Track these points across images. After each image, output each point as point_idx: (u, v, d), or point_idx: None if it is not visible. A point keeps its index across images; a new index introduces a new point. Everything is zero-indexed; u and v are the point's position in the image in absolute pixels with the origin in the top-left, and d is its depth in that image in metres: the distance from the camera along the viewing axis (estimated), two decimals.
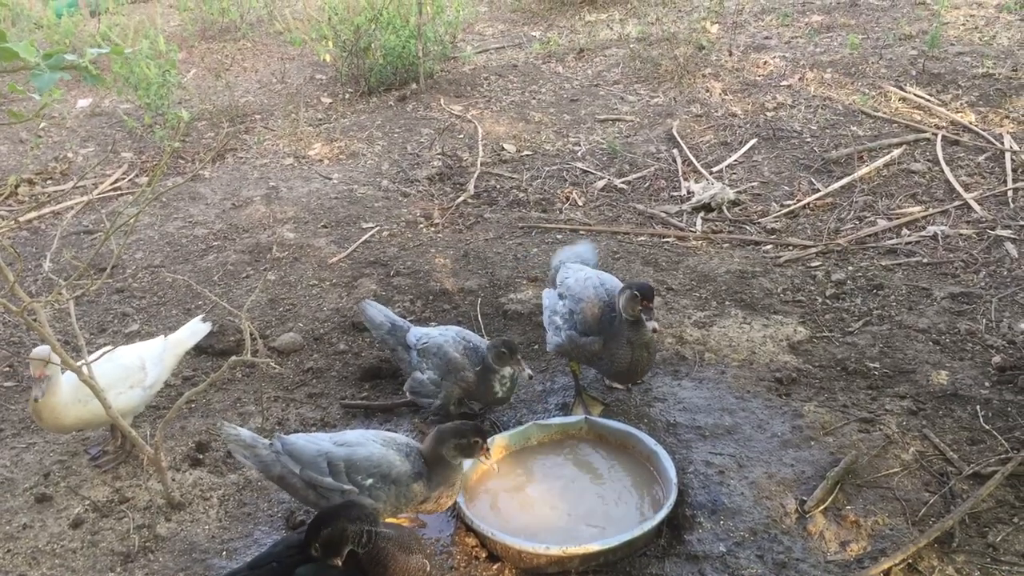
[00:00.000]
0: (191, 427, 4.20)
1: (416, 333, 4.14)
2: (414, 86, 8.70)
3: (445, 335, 4.09)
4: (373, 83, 8.76)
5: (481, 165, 7.06)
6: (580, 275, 4.16)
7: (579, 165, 6.99)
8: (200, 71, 9.86)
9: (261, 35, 11.01)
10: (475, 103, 8.40)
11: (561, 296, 4.17)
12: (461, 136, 7.65)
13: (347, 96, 8.76)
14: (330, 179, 6.97)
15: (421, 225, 6.21)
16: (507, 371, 3.90)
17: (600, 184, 6.66)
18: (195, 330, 4.27)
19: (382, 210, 6.42)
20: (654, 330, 3.70)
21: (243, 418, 4.27)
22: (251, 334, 4.02)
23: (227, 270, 5.68)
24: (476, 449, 3.27)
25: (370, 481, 3.20)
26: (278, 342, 4.84)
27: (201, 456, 4.00)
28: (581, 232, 5.88)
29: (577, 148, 7.30)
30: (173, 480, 3.81)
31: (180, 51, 9.19)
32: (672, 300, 5.00)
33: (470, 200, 6.55)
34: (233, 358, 3.48)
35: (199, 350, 4.69)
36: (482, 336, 4.80)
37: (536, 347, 4.70)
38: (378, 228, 6.13)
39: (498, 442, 3.83)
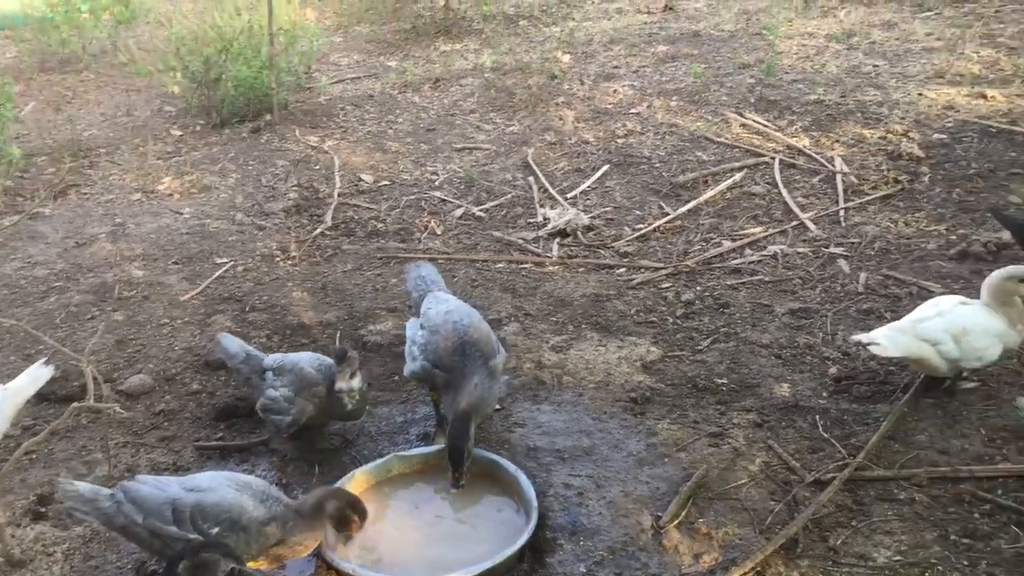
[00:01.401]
0: (32, 479, 3.99)
1: (273, 357, 4.12)
2: (268, 117, 8.57)
3: (301, 355, 4.11)
4: (225, 115, 8.58)
5: (338, 196, 7.01)
6: (442, 308, 4.18)
7: (437, 194, 7.03)
8: (39, 104, 9.43)
9: (105, 66, 10.63)
10: (331, 133, 8.35)
11: (422, 326, 4.18)
12: (317, 167, 7.58)
13: (198, 128, 8.55)
14: (181, 214, 6.78)
15: (277, 259, 6.10)
16: (355, 384, 3.90)
17: (458, 212, 6.71)
18: (36, 376, 4.04)
19: (236, 244, 6.28)
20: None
21: (89, 467, 4.08)
22: (95, 378, 3.86)
23: (70, 312, 5.43)
24: (350, 525, 3.26)
25: (216, 530, 3.11)
26: (126, 385, 4.66)
27: (43, 509, 3.80)
28: (440, 261, 5.91)
29: (435, 177, 7.34)
30: (13, 536, 3.60)
31: (17, 84, 8.77)
32: (530, 325, 5.08)
33: (328, 232, 6.49)
34: (75, 404, 3.34)
35: (40, 397, 4.44)
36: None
37: (396, 378, 4.68)
38: (232, 263, 6.00)
39: (358, 477, 3.80)
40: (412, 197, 6.99)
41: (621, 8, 11.99)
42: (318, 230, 6.49)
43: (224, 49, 8.36)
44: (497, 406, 4.22)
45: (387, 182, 7.29)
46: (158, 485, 3.25)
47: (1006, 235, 5.34)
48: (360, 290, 5.61)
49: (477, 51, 10.58)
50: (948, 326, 3.96)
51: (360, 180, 7.31)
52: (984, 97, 7.65)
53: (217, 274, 5.83)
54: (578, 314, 5.18)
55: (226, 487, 3.23)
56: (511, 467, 3.76)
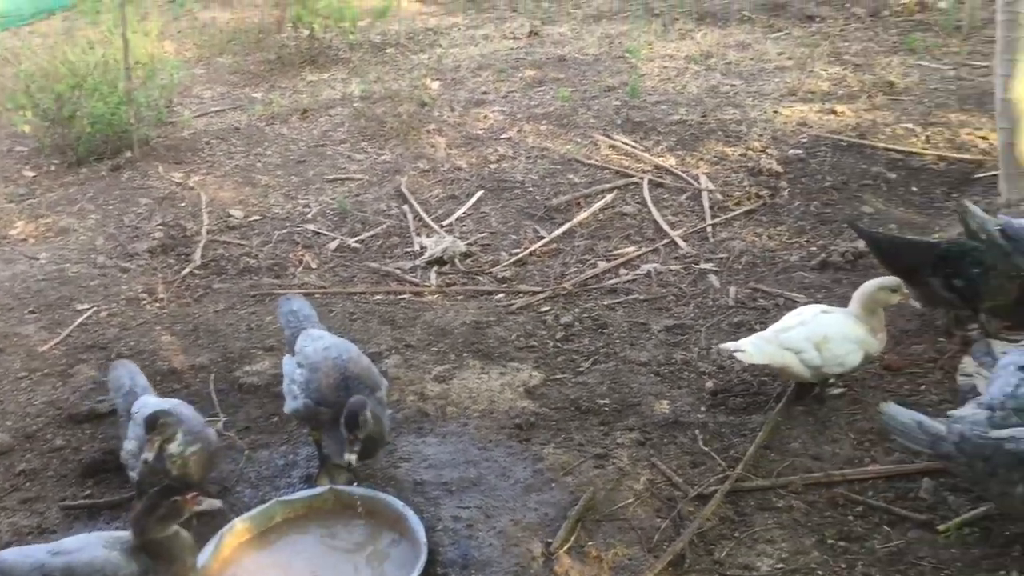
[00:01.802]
0: None
1: (140, 402, 3.90)
2: (128, 154, 8.25)
3: (161, 405, 3.87)
4: (82, 153, 8.22)
5: (207, 233, 6.80)
6: (319, 344, 4.11)
7: (310, 227, 6.91)
8: None
9: None
10: (197, 169, 8.11)
11: (300, 364, 4.09)
12: (183, 204, 7.34)
13: (53, 168, 8.17)
14: (36, 259, 6.44)
15: (144, 302, 5.87)
16: (175, 447, 3.63)
17: (333, 245, 6.61)
18: None
19: (99, 289, 6.01)
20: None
21: None
22: None
23: None
24: (179, 508, 3.10)
25: None
26: None
27: None
28: (316, 295, 5.80)
29: (307, 210, 7.21)
30: None
31: None
32: (411, 357, 5.03)
33: (197, 271, 6.28)
34: None
35: None
36: (218, 414, 4.61)
37: (276, 419, 4.56)
38: (95, 309, 5.73)
39: (239, 526, 3.67)
40: (284, 231, 6.85)
41: (487, 34, 12.10)
42: (186, 270, 6.28)
43: (77, 85, 8.02)
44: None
45: (258, 217, 7.13)
46: (23, 553, 3.07)
47: (862, 244, 5.61)
48: (234, 330, 5.45)
49: (345, 80, 10.48)
50: (810, 335, 4.12)
51: (229, 216, 7.12)
52: (834, 112, 8.05)
53: (79, 321, 5.57)
54: (459, 343, 5.16)
55: (96, 546, 3.07)
56: (398, 504, 3.70)
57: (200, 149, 8.56)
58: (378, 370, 4.18)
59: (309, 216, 7.10)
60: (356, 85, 10.09)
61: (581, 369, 4.86)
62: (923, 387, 4.38)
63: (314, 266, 6.34)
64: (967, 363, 4.36)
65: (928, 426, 3.32)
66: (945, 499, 3.60)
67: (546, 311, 5.51)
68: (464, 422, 4.43)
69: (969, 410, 3.52)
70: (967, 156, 6.98)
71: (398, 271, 6.18)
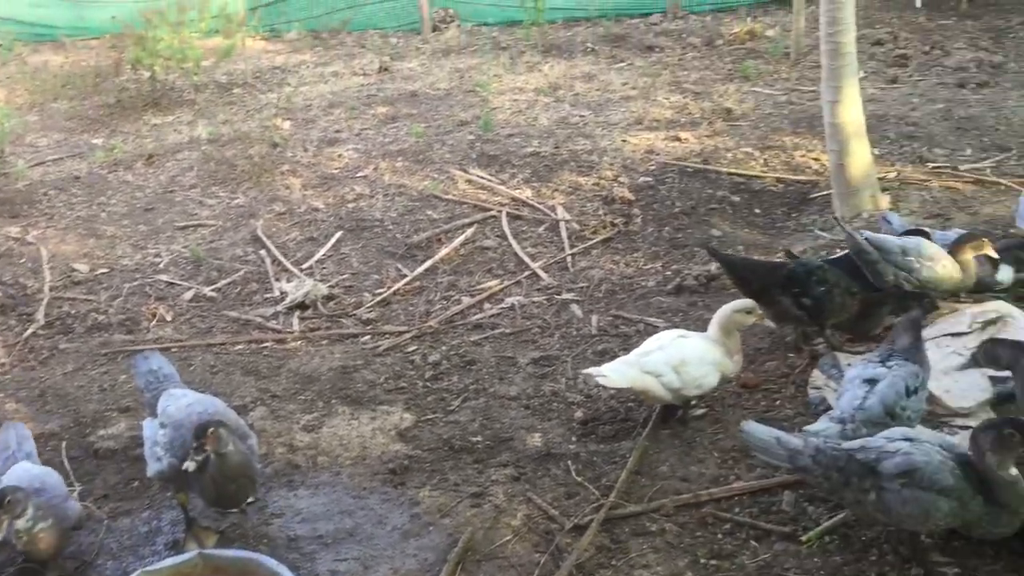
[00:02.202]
0: None
1: (9, 472, 3.70)
2: None
3: (30, 473, 3.69)
4: None
5: (50, 290, 6.46)
6: (182, 402, 3.97)
7: (163, 277, 6.67)
8: None
9: None
10: (35, 222, 7.71)
11: (163, 424, 3.93)
12: (23, 261, 6.96)
13: None
14: None
15: None
16: (22, 523, 3.44)
17: (188, 295, 6.40)
18: None
19: None
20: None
21: None
22: None
23: None
24: None
25: None
26: None
27: None
28: (173, 350, 5.59)
29: (159, 259, 6.96)
30: None
31: None
32: (278, 407, 4.91)
33: (41, 331, 5.96)
34: None
35: None
36: (72, 483, 4.37)
37: (136, 484, 4.36)
38: None
39: None
40: (135, 283, 6.58)
41: (337, 71, 12.03)
42: (29, 330, 5.95)
43: None
44: (251, 498, 4.04)
45: (105, 269, 6.83)
46: None
47: (713, 267, 5.85)
48: (85, 392, 5.19)
49: (191, 123, 10.20)
50: (668, 358, 4.26)
51: (74, 270, 6.79)
52: (679, 139, 8.39)
53: None
54: (327, 389, 5.08)
55: None
56: (272, 563, 3.57)
57: (38, 201, 8.14)
58: (245, 424, 4.07)
59: (161, 266, 6.85)
60: (203, 127, 9.83)
61: (452, 408, 4.86)
62: (778, 402, 4.59)
63: (169, 319, 6.11)
64: (816, 376, 4.63)
65: (786, 441, 3.48)
66: (806, 510, 3.77)
67: (413, 351, 5.49)
68: (336, 471, 4.35)
69: (822, 424, 3.73)
70: (803, 177, 7.40)
71: (259, 319, 6.04)
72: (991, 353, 3.80)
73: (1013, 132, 7.74)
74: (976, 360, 3.84)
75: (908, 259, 4.71)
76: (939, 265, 4.73)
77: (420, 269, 6.52)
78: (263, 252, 6.94)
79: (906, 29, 11.30)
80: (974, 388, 4.23)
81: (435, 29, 13.78)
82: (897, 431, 3.39)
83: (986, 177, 6.86)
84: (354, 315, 6.01)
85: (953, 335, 4.55)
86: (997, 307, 4.70)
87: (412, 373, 5.23)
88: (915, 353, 3.85)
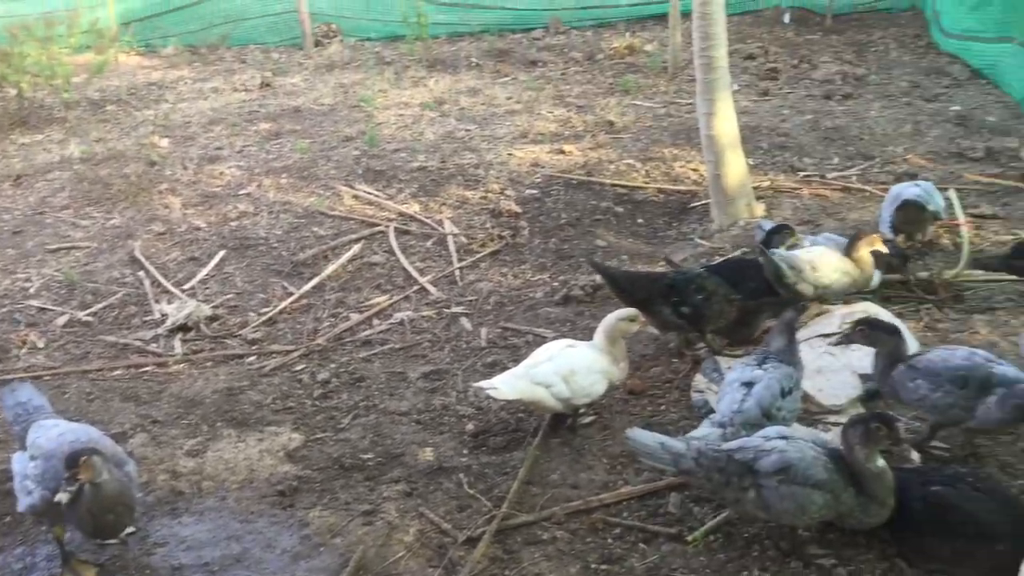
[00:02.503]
0: None
1: None
2: None
3: None
4: None
5: None
6: (53, 432, 3.81)
7: (34, 303, 6.39)
8: None
9: None
10: None
11: (33, 457, 3.76)
12: None
13: None
14: None
15: None
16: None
17: (62, 320, 6.15)
18: None
19: None
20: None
21: None
22: None
23: None
24: None
25: None
26: None
27: None
28: (46, 378, 5.35)
29: (28, 284, 6.67)
30: None
31: None
32: (159, 433, 4.76)
33: None
34: None
35: None
36: None
37: (8, 519, 4.15)
38: None
39: None
40: (3, 310, 6.29)
41: (217, 87, 11.78)
42: None
43: None
44: (131, 528, 3.91)
45: None
46: None
47: (599, 278, 5.95)
48: None
49: (63, 141, 9.81)
50: (557, 368, 4.32)
51: None
52: (563, 152, 8.52)
53: None
54: (211, 412, 4.95)
55: None
56: None
57: None
58: (123, 451, 3.93)
59: (31, 291, 6.57)
60: (76, 146, 9.48)
61: (342, 426, 4.80)
62: (664, 406, 4.71)
63: (41, 345, 5.86)
64: (699, 380, 4.76)
65: (670, 446, 3.57)
66: (691, 511, 3.87)
67: (301, 369, 5.40)
68: (222, 496, 4.24)
69: (704, 430, 3.85)
70: (682, 188, 7.62)
71: (138, 342, 5.84)
72: (861, 333, 3.99)
73: (876, 141, 8.16)
74: (848, 338, 4.02)
75: (817, 274, 4.90)
76: (845, 274, 4.94)
77: (307, 287, 6.43)
78: (141, 273, 6.73)
79: (776, 44, 11.78)
80: (845, 386, 4.43)
81: (317, 44, 13.65)
82: (773, 430, 3.53)
83: (852, 184, 7.20)
84: (239, 335, 5.88)
85: (824, 336, 4.75)
86: (865, 307, 4.93)
87: (300, 392, 5.15)
88: (789, 355, 4.01)
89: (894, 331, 3.97)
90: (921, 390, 3.80)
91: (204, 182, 8.36)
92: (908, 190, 5.77)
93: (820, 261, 4.95)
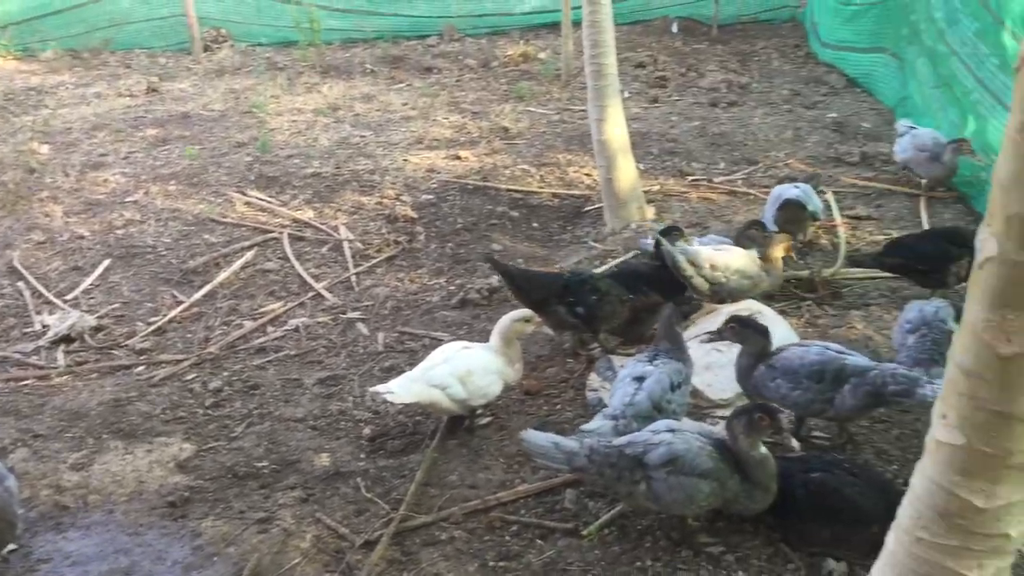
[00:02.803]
0: None
1: None
2: None
3: None
4: None
5: None
6: None
7: None
8: None
9: None
10: None
11: None
12: None
13: None
14: None
15: None
16: None
17: None
18: None
19: None
20: None
21: None
22: None
23: None
24: None
25: None
26: None
27: None
28: None
29: None
30: None
31: None
32: (41, 448, 4.58)
33: None
34: None
35: None
36: None
37: None
38: None
39: None
40: None
41: (100, 92, 11.41)
42: None
43: None
44: (13, 545, 3.76)
45: None
46: None
47: (495, 280, 6.02)
48: None
49: None
50: (453, 370, 4.35)
51: None
52: (459, 158, 8.57)
53: None
54: (97, 424, 4.80)
55: None
56: None
57: None
58: (3, 466, 3.77)
59: None
60: None
61: (235, 434, 4.71)
62: (559, 405, 4.78)
63: None
64: (593, 379, 4.86)
65: (563, 445, 3.65)
66: (587, 506, 3.95)
67: (192, 379, 5.28)
68: (110, 509, 4.12)
69: (597, 423, 3.93)
70: (576, 192, 7.75)
71: (18, 355, 5.61)
72: (732, 331, 4.15)
73: (759, 147, 8.46)
74: (720, 334, 4.18)
75: (716, 273, 5.05)
76: (745, 276, 5.11)
77: (198, 295, 6.29)
78: (21, 284, 6.46)
79: (664, 53, 12.09)
80: (732, 381, 4.58)
81: (207, 49, 13.35)
82: (662, 424, 3.64)
83: (738, 188, 7.46)
84: (126, 346, 5.72)
85: (710, 333, 4.90)
86: (749, 305, 5.11)
87: (191, 402, 5.04)
88: (679, 351, 4.14)
89: (764, 331, 4.13)
90: (782, 389, 4.00)
91: (87, 189, 8.09)
92: (789, 191, 6.01)
93: (721, 259, 5.11)
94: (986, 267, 2.06)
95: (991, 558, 2.37)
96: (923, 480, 2.41)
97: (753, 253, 5.24)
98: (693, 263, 5.07)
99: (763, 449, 3.43)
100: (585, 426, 3.93)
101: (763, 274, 5.18)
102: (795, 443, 3.64)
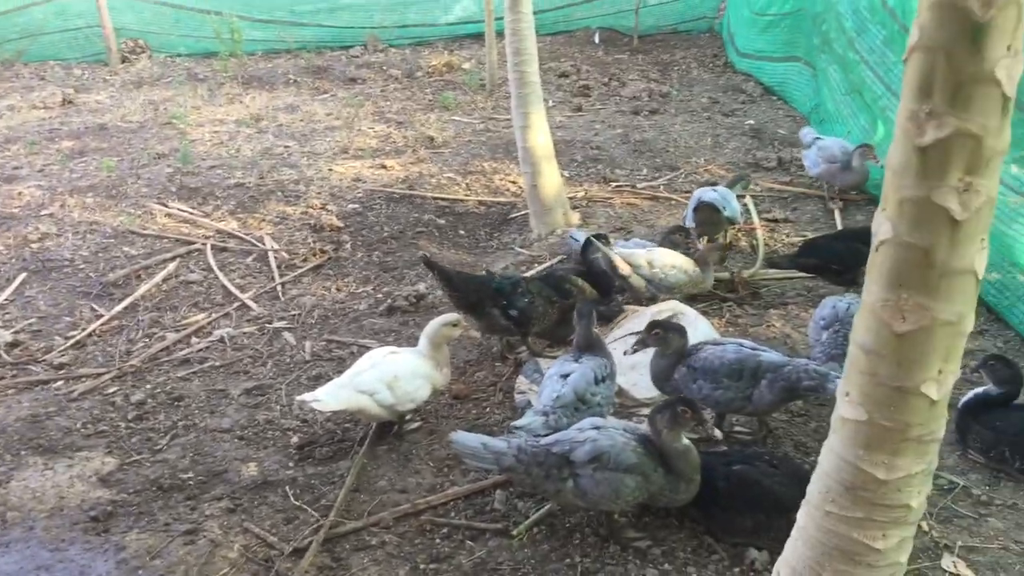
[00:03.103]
0: None
1: None
2: None
3: None
4: None
5: None
6: None
7: None
8: None
9: None
10: None
11: None
12: None
13: None
14: None
15: None
16: None
17: None
18: None
19: None
20: None
21: None
22: None
23: None
24: None
25: None
26: None
27: None
28: None
29: None
30: None
31: None
32: None
33: None
34: None
35: None
36: None
37: None
38: None
39: None
40: None
41: (12, 105, 11.10)
42: None
43: None
44: None
45: None
46: None
47: (422, 287, 6.04)
48: None
49: None
50: (381, 376, 4.36)
51: None
52: (384, 167, 8.56)
53: None
54: (14, 441, 4.67)
55: None
56: None
57: None
58: None
59: None
60: None
61: (159, 447, 4.64)
62: (488, 409, 4.82)
63: None
64: (521, 382, 4.91)
65: (491, 445, 3.68)
66: (516, 506, 3.99)
67: (114, 392, 5.18)
68: (30, 526, 4.01)
69: (528, 419, 3.99)
70: (502, 199, 7.82)
71: None
72: (655, 337, 4.25)
73: (680, 153, 8.65)
74: (644, 342, 4.28)
75: (655, 271, 5.20)
76: (682, 271, 5.27)
77: (118, 308, 6.17)
78: None
79: (587, 63, 12.27)
80: None
81: (124, 60, 13.11)
82: (587, 422, 3.71)
83: (660, 193, 7.62)
84: (44, 361, 5.57)
85: (637, 334, 5.00)
86: (672, 306, 5.23)
87: (113, 415, 4.94)
88: (601, 348, 4.23)
89: (682, 331, 4.26)
90: (704, 390, 4.13)
91: (1, 203, 7.86)
92: (707, 193, 6.17)
93: (656, 257, 5.27)
94: (881, 249, 2.17)
95: (894, 528, 2.49)
96: (830, 455, 2.52)
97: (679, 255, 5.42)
98: (630, 262, 5.20)
99: (685, 441, 3.52)
100: (516, 422, 3.99)
101: (698, 270, 5.36)
102: (717, 433, 3.74)
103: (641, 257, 5.30)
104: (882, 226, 2.13)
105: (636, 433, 3.60)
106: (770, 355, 4.13)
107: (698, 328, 4.90)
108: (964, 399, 4.22)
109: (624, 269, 5.22)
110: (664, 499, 3.60)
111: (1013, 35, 1.88)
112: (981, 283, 2.18)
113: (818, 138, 7.33)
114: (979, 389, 4.22)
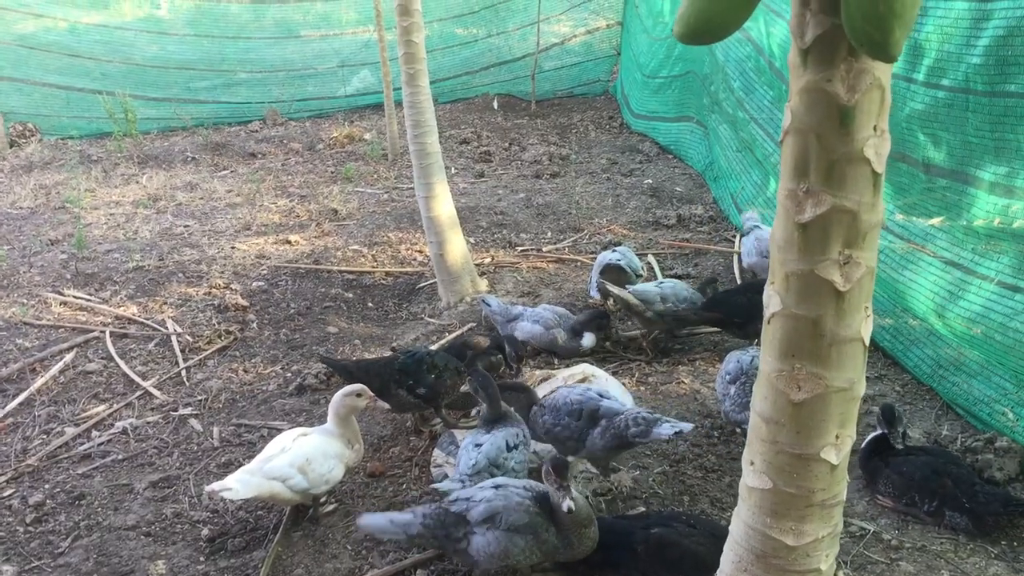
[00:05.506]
0: None
1: None
2: None
3: None
4: None
5: None
6: None
7: None
8: None
9: None
10: None
11: None
12: None
13: None
14: None
15: None
16: None
17: None
18: None
19: None
20: None
21: None
22: None
23: None
24: None
25: None
26: None
27: None
28: None
29: None
30: None
31: None
32: None
33: None
34: None
35: None
36: None
37: None
38: None
39: None
40: None
41: None
42: None
43: None
44: None
45: None
46: None
47: None
48: None
49: None
50: (293, 460, 4.26)
51: None
52: (289, 242, 8.48)
53: None
54: None
55: None
56: None
57: None
58: None
59: None
60: None
61: (61, 550, 4.42)
62: (404, 485, 4.75)
63: None
64: (437, 455, 4.87)
65: (397, 520, 3.70)
66: None
67: (11, 495, 4.93)
68: None
69: (447, 484, 4.01)
70: (409, 269, 7.82)
71: None
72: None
73: (582, 214, 8.82)
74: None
75: (668, 306, 5.73)
76: (681, 300, 5.83)
77: (13, 404, 5.90)
78: None
79: (487, 129, 12.47)
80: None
81: (13, 145, 12.75)
82: (489, 482, 3.76)
83: (565, 256, 7.73)
84: None
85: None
86: (583, 369, 5.28)
87: (10, 519, 4.69)
88: (510, 418, 4.28)
89: (523, 387, 4.59)
90: (547, 424, 4.36)
91: None
92: (609, 256, 6.28)
93: (675, 293, 5.82)
94: (773, 321, 2.25)
95: None
96: (739, 524, 2.56)
97: None
98: (645, 300, 5.74)
99: (569, 500, 3.49)
100: (436, 485, 4.00)
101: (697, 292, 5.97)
102: (568, 503, 3.60)
103: (654, 293, 5.80)
104: (772, 299, 2.21)
105: (536, 491, 3.63)
106: (611, 403, 4.32)
107: (610, 390, 4.95)
108: (864, 442, 4.36)
109: (639, 307, 5.75)
110: (561, 556, 3.61)
111: (878, 116, 1.99)
112: (876, 329, 2.27)
113: (757, 226, 6.75)
114: (876, 432, 4.37)
